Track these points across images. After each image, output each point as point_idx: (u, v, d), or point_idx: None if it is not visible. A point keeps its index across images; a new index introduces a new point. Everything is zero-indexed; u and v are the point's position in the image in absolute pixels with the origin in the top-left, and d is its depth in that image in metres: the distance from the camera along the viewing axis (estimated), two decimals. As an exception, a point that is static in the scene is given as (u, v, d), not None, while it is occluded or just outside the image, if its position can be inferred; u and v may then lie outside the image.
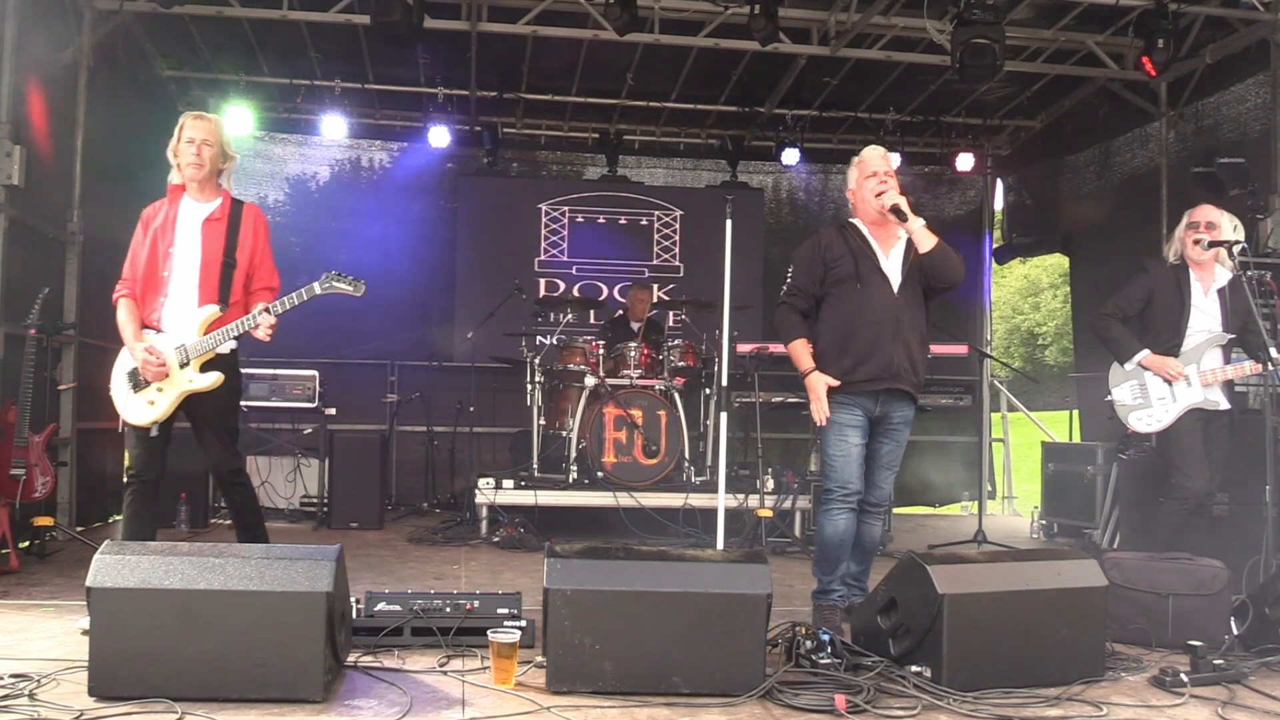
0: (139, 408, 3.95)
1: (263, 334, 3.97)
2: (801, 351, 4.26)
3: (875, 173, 4.19)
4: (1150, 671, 3.51)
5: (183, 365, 3.94)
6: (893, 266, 4.20)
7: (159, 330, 3.98)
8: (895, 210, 4.08)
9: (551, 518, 6.75)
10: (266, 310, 3.97)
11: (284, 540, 5.93)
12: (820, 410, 4.18)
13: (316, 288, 4.11)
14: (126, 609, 2.93)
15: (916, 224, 4.10)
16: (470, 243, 9.40)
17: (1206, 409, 4.65)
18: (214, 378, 3.96)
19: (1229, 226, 4.73)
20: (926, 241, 4.09)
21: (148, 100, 7.86)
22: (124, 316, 4.01)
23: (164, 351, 3.91)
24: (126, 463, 4.05)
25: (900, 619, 3.42)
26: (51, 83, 6.25)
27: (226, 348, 4.02)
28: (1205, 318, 4.71)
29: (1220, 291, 4.75)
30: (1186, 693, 3.28)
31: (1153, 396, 4.68)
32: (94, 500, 6.94)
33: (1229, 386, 4.73)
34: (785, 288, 4.34)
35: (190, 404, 3.98)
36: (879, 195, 4.13)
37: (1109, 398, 4.79)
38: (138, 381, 3.95)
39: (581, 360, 7.08)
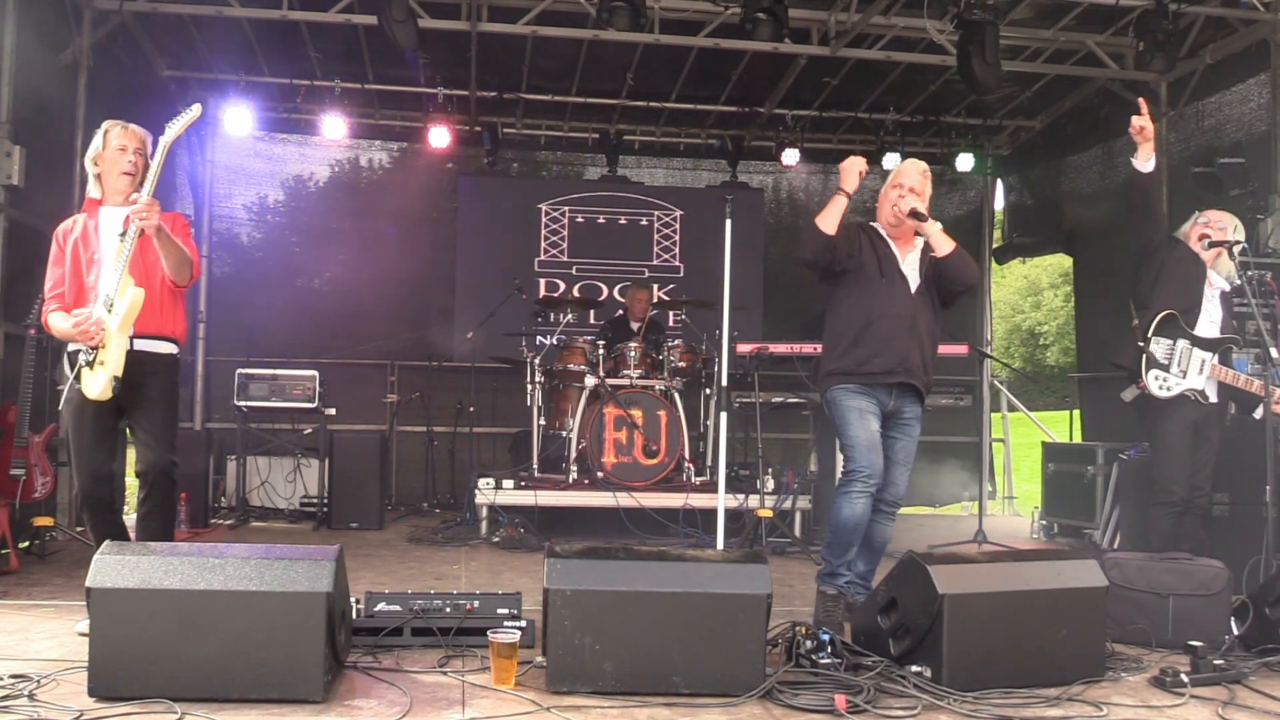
0: (95, 378, 3.73)
1: (146, 214, 3.64)
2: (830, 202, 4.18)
3: (901, 184, 4.27)
4: (1150, 672, 3.51)
5: (110, 310, 3.73)
6: (910, 269, 4.27)
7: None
8: (914, 213, 4.15)
9: (551, 518, 6.75)
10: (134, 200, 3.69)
11: (284, 540, 5.98)
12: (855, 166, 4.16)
13: (163, 138, 3.72)
14: (126, 609, 2.92)
15: (934, 227, 4.18)
16: (470, 242, 9.40)
17: (1200, 399, 4.70)
18: (130, 294, 3.70)
19: (1231, 229, 4.83)
20: (945, 245, 4.18)
21: (148, 100, 7.85)
22: (59, 320, 3.84)
23: (92, 314, 3.73)
24: (75, 484, 3.89)
25: (900, 619, 3.42)
26: (51, 83, 6.25)
27: (165, 348, 3.91)
28: (1212, 307, 4.81)
29: (1223, 294, 4.86)
30: (1187, 693, 3.28)
31: (1175, 364, 4.71)
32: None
33: (1223, 385, 4.78)
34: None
35: (128, 396, 3.80)
36: (894, 205, 4.24)
37: (1141, 343, 4.77)
38: (87, 356, 3.75)
39: (582, 360, 7.08)
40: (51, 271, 3.93)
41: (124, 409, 3.89)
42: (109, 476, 3.95)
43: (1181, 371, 4.71)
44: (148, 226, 3.68)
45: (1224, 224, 4.85)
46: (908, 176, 4.29)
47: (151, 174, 3.76)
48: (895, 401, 4.23)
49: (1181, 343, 4.73)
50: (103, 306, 3.77)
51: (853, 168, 4.18)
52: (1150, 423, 4.80)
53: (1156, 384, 4.71)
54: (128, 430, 3.97)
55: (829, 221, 4.12)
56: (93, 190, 3.95)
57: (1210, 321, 4.79)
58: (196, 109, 3.80)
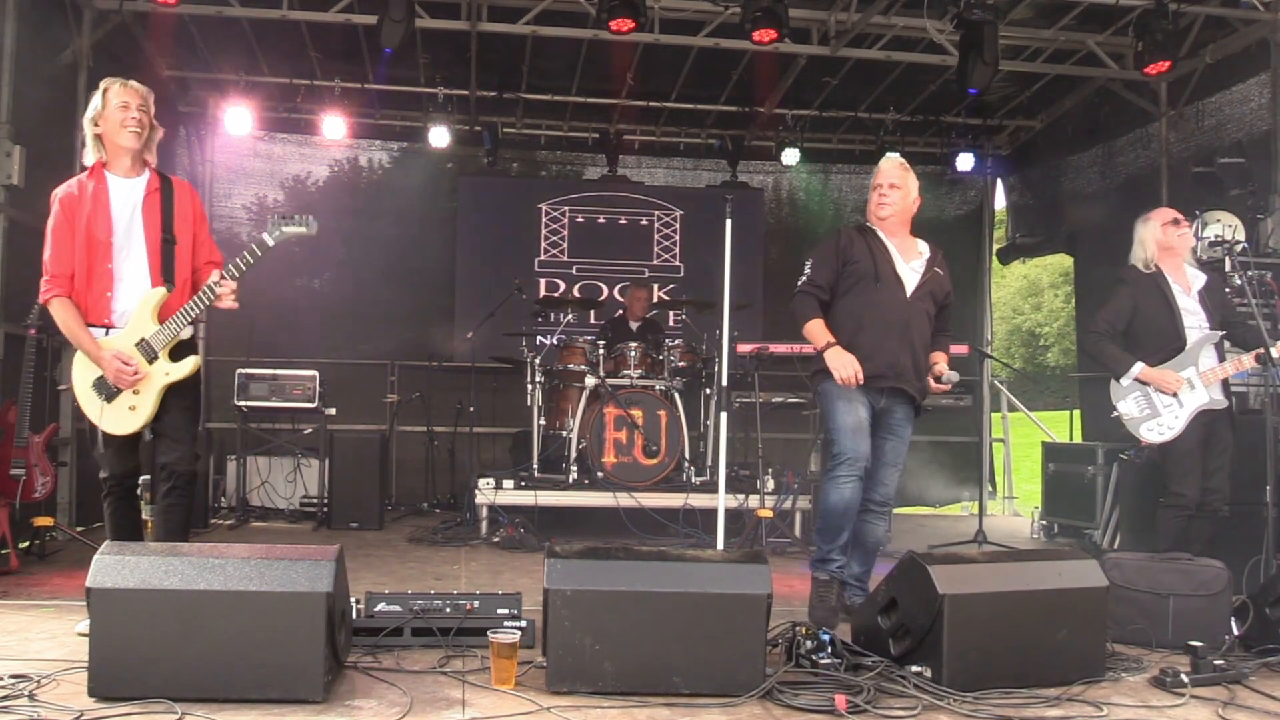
0: (120, 416, 3.74)
1: (227, 303, 3.73)
2: (819, 329, 4.23)
3: (881, 184, 4.29)
4: (1150, 672, 3.51)
5: (152, 360, 3.73)
6: (909, 273, 4.26)
7: (111, 327, 3.75)
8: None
9: (551, 518, 6.75)
10: (224, 276, 3.72)
11: (284, 540, 5.97)
12: (847, 369, 4.09)
13: (268, 239, 3.79)
14: (126, 609, 2.92)
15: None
16: (470, 243, 9.40)
17: (1213, 409, 4.65)
18: (191, 363, 3.79)
19: (1215, 227, 4.84)
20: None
21: (147, 100, 7.84)
22: (68, 319, 3.70)
23: (129, 355, 3.69)
24: (102, 470, 3.88)
25: (900, 619, 3.41)
26: (51, 83, 6.24)
27: (186, 332, 3.80)
28: (1193, 317, 4.74)
29: (1200, 293, 4.79)
30: (1187, 693, 3.28)
31: (1159, 405, 4.67)
32: (94, 500, 6.86)
33: (1225, 383, 4.75)
34: (803, 280, 4.35)
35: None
36: (876, 210, 4.30)
37: (1115, 414, 4.78)
38: (109, 392, 3.73)
39: (582, 360, 7.08)
40: (55, 244, 3.73)
41: None
42: (137, 468, 3.95)
43: (1173, 403, 4.66)
44: (224, 306, 3.74)
45: (1176, 213, 4.86)
46: (887, 175, 4.30)
47: (246, 265, 3.76)
48: (886, 402, 4.24)
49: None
50: (138, 349, 3.71)
51: (845, 372, 4.12)
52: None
53: (1156, 434, 4.68)
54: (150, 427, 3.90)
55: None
56: (93, 154, 3.79)
57: (1198, 328, 4.71)
58: (314, 226, 3.81)
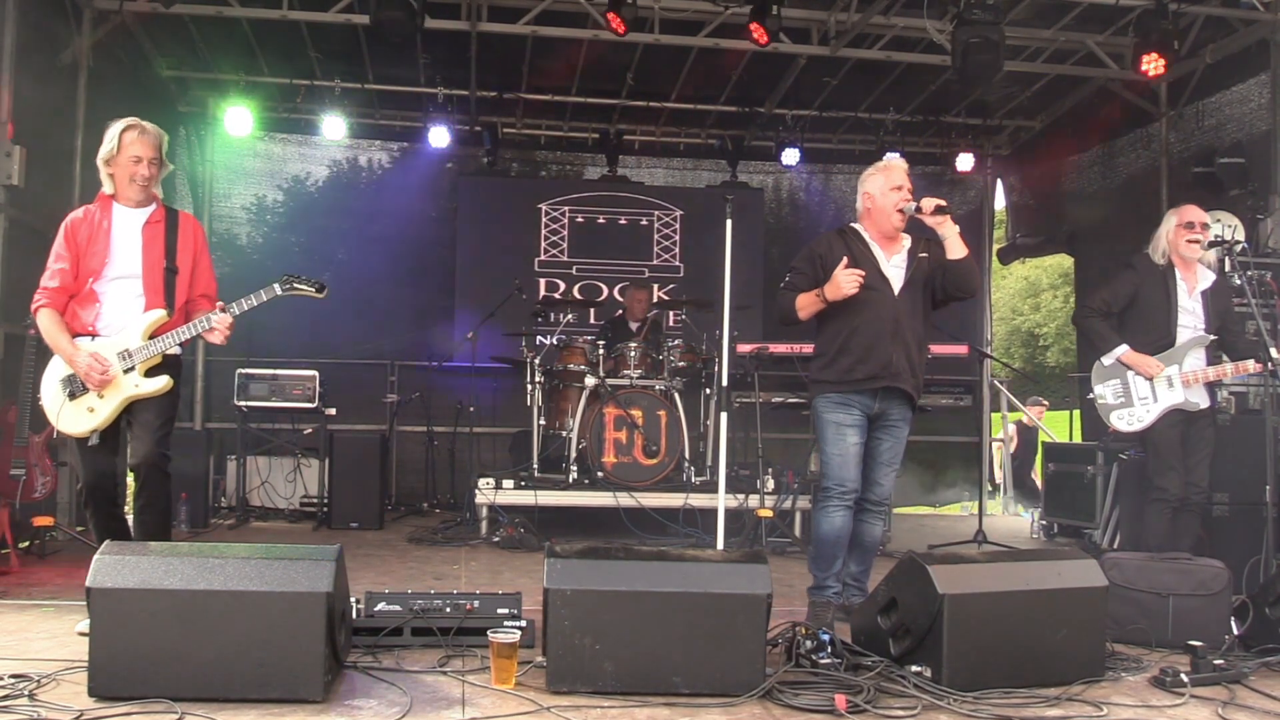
0: (76, 416, 3.80)
1: (218, 337, 3.84)
2: (807, 296, 4.18)
3: (901, 186, 4.21)
4: (1150, 672, 3.50)
5: (127, 371, 3.80)
6: (893, 270, 4.23)
7: (95, 336, 3.83)
8: (940, 209, 4.08)
9: (551, 518, 6.75)
10: (224, 310, 3.85)
11: (284, 540, 5.97)
12: (851, 279, 4.02)
13: (277, 288, 3.97)
14: (126, 609, 2.92)
15: (953, 230, 4.13)
16: (470, 243, 9.40)
17: (1187, 409, 4.66)
18: (162, 382, 3.83)
19: (1215, 227, 4.82)
20: (959, 249, 4.12)
21: (148, 100, 7.85)
22: (50, 326, 3.81)
23: (107, 357, 3.78)
24: (80, 476, 3.90)
25: (900, 619, 3.41)
26: (51, 83, 6.25)
27: (175, 350, 3.91)
28: (1189, 317, 4.74)
29: (1204, 294, 4.77)
30: (1187, 693, 3.28)
31: (1134, 396, 4.70)
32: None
33: (1211, 385, 4.75)
34: (782, 284, 4.36)
35: (131, 403, 3.85)
36: (899, 209, 4.16)
37: (1091, 395, 4.82)
38: (74, 389, 3.80)
39: (582, 360, 7.08)
40: (53, 262, 3.87)
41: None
42: (113, 472, 3.96)
43: (1148, 397, 4.67)
44: (214, 340, 3.84)
45: (1205, 219, 4.79)
46: (902, 176, 4.24)
47: (249, 306, 3.89)
48: (880, 404, 4.21)
49: (1131, 373, 4.71)
50: (118, 357, 3.79)
51: (849, 285, 4.05)
52: (1140, 434, 4.80)
53: (1125, 424, 4.72)
54: (126, 420, 3.94)
55: (805, 314, 4.22)
56: (107, 187, 3.92)
57: (1192, 328, 4.72)
58: (324, 292, 4.01)
